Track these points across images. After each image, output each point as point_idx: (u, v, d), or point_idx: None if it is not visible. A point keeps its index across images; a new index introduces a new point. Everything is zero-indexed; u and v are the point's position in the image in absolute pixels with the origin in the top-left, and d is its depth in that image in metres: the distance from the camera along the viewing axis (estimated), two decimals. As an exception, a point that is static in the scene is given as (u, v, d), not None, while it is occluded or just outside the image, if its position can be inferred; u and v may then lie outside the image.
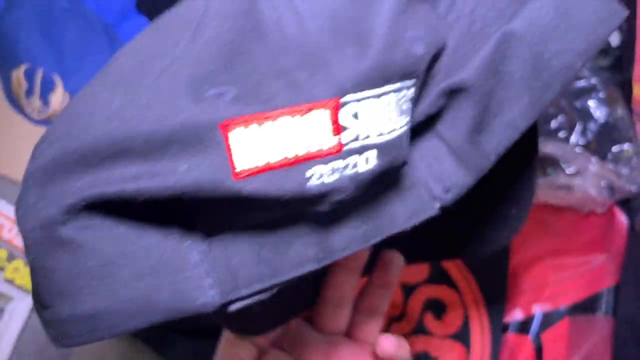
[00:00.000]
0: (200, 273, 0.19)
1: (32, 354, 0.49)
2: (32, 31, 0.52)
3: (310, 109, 0.17)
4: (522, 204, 0.30)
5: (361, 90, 0.18)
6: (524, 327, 0.47)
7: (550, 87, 0.21)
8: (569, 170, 0.43)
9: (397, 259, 0.33)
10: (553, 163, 0.43)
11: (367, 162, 0.19)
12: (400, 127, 0.20)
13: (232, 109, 0.17)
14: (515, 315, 0.47)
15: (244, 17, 0.18)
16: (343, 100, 0.18)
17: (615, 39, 0.48)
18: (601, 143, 0.45)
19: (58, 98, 0.53)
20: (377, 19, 0.18)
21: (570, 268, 0.47)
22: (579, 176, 0.42)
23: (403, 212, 0.22)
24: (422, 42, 0.19)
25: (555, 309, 0.46)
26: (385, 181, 0.21)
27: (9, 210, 0.52)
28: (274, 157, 0.18)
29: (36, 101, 0.53)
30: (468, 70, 0.21)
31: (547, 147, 0.43)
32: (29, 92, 0.53)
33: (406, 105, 0.20)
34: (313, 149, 0.18)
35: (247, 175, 0.18)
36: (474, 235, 0.32)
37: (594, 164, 0.42)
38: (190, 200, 0.18)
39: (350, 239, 0.21)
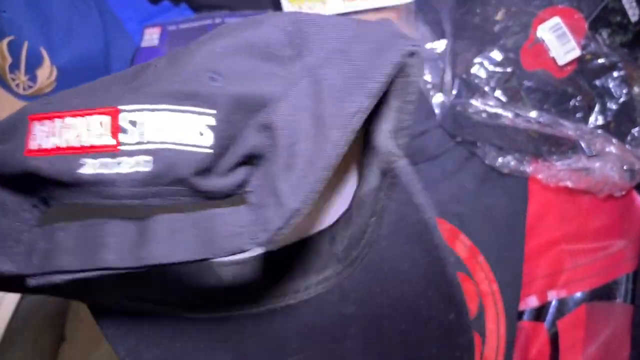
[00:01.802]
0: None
1: (24, 342, 0.49)
2: (16, 1, 0.51)
3: (91, 113, 0.23)
4: None
5: (135, 103, 0.23)
6: (539, 314, 0.46)
7: (362, 87, 0.24)
8: (589, 152, 0.41)
9: None
10: (573, 145, 0.41)
11: (144, 165, 0.23)
12: (191, 146, 0.23)
13: (41, 109, 0.24)
14: (530, 302, 0.46)
15: (136, 69, 0.26)
16: (121, 108, 0.23)
17: (635, 14, 0.46)
18: (619, 124, 0.44)
19: (45, 73, 0.51)
20: (192, 59, 0.24)
21: (587, 253, 0.46)
22: (599, 158, 0.41)
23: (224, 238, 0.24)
24: (223, 79, 0.24)
25: (571, 295, 0.46)
26: (169, 190, 0.24)
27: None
28: (60, 144, 0.23)
29: (22, 76, 0.51)
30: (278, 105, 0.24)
31: (565, 128, 0.41)
32: (14, 66, 0.51)
33: (205, 131, 0.23)
34: (88, 143, 0.23)
35: (35, 154, 0.23)
36: None
37: (615, 146, 0.41)
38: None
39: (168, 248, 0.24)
